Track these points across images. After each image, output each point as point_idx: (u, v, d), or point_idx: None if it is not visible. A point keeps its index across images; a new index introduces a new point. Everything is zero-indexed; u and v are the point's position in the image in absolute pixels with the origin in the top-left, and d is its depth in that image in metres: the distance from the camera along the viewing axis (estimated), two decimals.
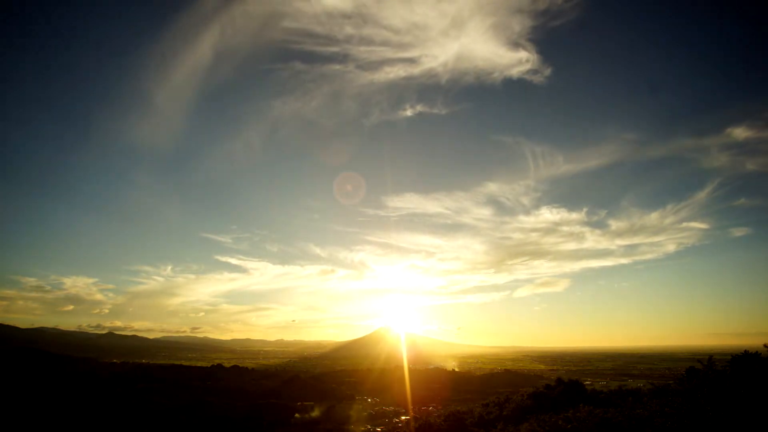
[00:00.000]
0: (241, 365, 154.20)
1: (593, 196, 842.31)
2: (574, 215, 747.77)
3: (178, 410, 73.40)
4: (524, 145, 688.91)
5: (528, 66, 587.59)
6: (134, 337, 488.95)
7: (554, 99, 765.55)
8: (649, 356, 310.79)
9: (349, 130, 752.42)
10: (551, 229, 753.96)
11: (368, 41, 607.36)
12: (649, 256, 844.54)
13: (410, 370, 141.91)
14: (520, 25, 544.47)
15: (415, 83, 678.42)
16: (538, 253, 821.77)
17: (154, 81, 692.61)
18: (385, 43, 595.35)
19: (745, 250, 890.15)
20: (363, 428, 67.68)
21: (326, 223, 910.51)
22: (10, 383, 78.92)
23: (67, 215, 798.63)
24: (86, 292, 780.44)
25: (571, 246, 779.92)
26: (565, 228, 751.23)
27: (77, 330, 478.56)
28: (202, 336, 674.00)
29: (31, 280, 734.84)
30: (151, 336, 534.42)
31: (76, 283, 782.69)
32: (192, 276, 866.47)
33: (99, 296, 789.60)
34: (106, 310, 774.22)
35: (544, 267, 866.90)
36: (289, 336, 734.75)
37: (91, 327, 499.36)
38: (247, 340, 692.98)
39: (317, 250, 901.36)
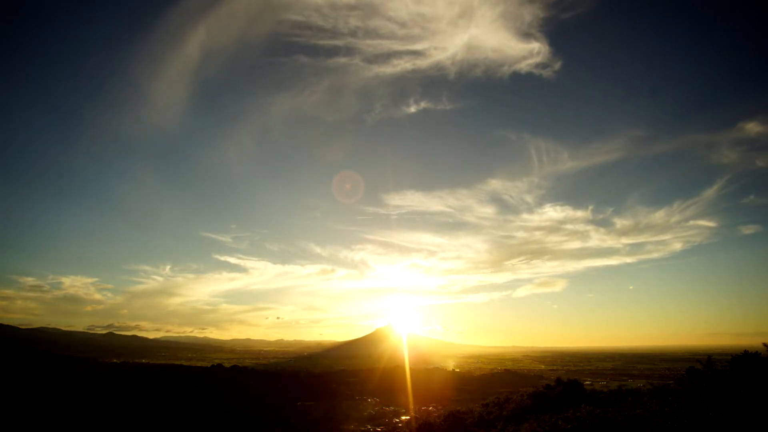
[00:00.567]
0: (241, 365, 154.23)
1: (599, 193, 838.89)
2: (579, 213, 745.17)
3: (178, 411, 73.38)
4: (528, 140, 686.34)
5: (538, 59, 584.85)
6: (134, 337, 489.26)
7: (562, 94, 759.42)
8: (649, 356, 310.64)
9: (350, 127, 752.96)
10: (555, 228, 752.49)
11: (374, 34, 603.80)
12: (655, 255, 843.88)
13: (410, 370, 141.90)
14: (530, 15, 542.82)
15: (421, 77, 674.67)
16: (542, 252, 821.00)
17: (151, 77, 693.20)
18: (391, 36, 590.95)
19: (754, 249, 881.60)
20: (363, 428, 67.66)
21: (327, 221, 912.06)
22: (10, 383, 78.88)
23: (65, 214, 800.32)
24: (85, 292, 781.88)
25: (575, 245, 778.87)
26: (569, 226, 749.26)
27: (77, 330, 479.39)
28: (202, 336, 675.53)
29: (29, 280, 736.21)
30: (151, 336, 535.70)
31: (75, 283, 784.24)
32: (191, 275, 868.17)
33: (98, 296, 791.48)
34: (106, 310, 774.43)
35: (546, 266, 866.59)
36: (290, 336, 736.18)
37: (91, 327, 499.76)
38: (248, 340, 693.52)
39: (318, 249, 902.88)
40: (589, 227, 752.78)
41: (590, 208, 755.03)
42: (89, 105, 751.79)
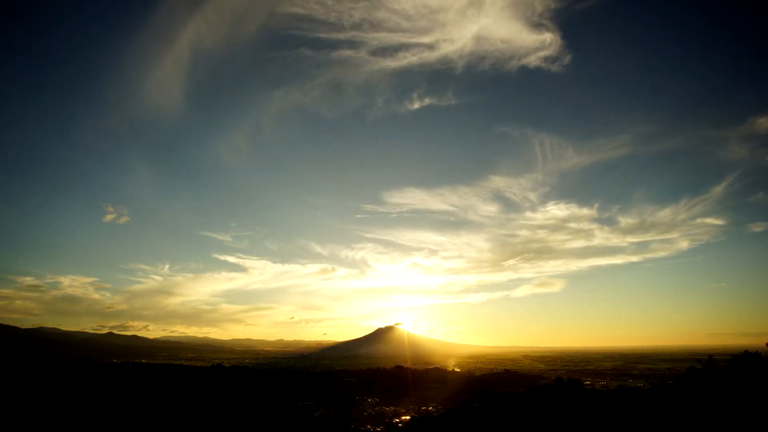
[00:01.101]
0: (241, 365, 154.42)
1: (604, 190, 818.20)
2: (585, 211, 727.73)
3: (178, 411, 73.35)
4: (532, 136, 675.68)
5: (549, 51, 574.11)
6: (134, 337, 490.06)
7: (569, 88, 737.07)
8: (649, 356, 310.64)
9: (351, 123, 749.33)
10: (559, 226, 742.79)
11: (379, 26, 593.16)
12: (661, 254, 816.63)
13: (410, 370, 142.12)
14: (542, 4, 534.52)
15: (427, 71, 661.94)
16: (545, 251, 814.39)
17: (149, 74, 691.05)
18: (397, 29, 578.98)
19: (763, 247, 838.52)
20: (363, 428, 67.59)
21: (327, 220, 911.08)
22: (10, 383, 78.84)
23: (63, 214, 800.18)
24: (83, 292, 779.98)
25: (579, 243, 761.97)
26: (573, 224, 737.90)
27: (77, 330, 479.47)
28: (202, 336, 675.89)
29: (28, 279, 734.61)
30: (151, 336, 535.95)
31: (74, 283, 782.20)
32: (190, 275, 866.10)
33: (96, 295, 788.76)
34: (105, 310, 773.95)
35: (549, 265, 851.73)
36: (289, 336, 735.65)
37: (91, 327, 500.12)
38: (247, 339, 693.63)
39: (318, 248, 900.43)
40: (594, 225, 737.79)
41: (596, 205, 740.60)
42: (85, 103, 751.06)
